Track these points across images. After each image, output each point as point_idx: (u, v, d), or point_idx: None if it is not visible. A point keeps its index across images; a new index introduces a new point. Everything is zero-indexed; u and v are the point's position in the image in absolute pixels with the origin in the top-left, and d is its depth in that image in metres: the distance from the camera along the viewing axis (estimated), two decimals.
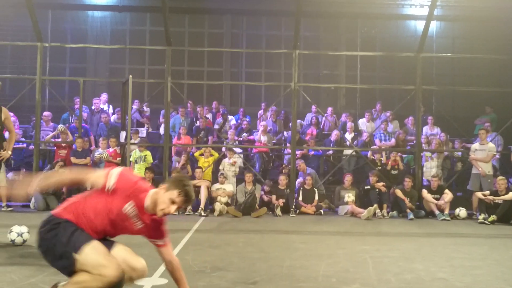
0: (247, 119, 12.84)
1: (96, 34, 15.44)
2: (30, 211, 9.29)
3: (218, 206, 9.46)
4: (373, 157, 11.24)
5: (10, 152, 6.11)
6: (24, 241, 5.46)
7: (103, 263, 2.88)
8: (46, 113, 11.78)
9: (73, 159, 10.20)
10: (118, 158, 10.32)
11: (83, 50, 14.97)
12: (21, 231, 5.47)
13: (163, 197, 3.01)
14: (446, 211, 9.61)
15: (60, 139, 10.71)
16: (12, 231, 5.48)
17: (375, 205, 9.59)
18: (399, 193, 9.86)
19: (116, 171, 3.06)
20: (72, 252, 2.88)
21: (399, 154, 11.21)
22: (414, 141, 11.32)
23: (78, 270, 2.89)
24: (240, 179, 10.48)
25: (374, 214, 9.50)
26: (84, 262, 2.88)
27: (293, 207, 9.84)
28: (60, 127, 10.80)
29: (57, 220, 3.01)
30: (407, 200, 9.77)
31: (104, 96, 12.65)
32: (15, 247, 5.42)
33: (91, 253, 2.89)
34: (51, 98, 13.79)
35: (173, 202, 3.02)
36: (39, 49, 10.64)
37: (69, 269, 2.94)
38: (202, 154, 10.74)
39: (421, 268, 4.85)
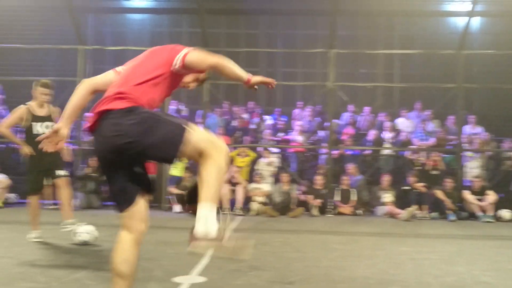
0: (283, 119, 12.83)
1: (135, 36, 15.78)
2: (74, 209, 9.55)
3: (255, 205, 9.50)
4: (412, 157, 11.02)
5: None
6: (96, 237, 5.60)
7: (211, 136, 2.51)
8: (87, 114, 12.12)
9: None
10: None
11: (122, 52, 15.28)
12: (87, 229, 5.59)
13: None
14: (489, 213, 9.33)
15: None
16: (80, 233, 5.54)
17: (415, 206, 9.41)
18: (439, 194, 9.63)
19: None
20: (183, 128, 2.43)
21: (440, 154, 10.95)
22: (455, 141, 11.03)
23: (188, 148, 2.41)
24: (276, 179, 10.48)
25: (414, 215, 9.32)
26: (197, 136, 2.43)
27: (330, 207, 9.78)
28: None
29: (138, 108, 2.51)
30: (448, 201, 9.54)
31: None
32: (59, 244, 5.60)
33: (196, 128, 2.50)
34: (91, 100, 14.17)
35: (196, 80, 2.92)
36: (80, 52, 10.96)
37: (175, 149, 2.40)
38: (238, 154, 10.81)
39: (463, 271, 4.73)
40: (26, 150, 5.71)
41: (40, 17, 12.77)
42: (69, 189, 5.93)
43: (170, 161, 2.54)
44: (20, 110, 5.82)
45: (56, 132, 2.69)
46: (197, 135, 2.45)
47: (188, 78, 2.90)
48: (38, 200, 5.80)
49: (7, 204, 9.88)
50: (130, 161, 2.57)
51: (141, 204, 2.67)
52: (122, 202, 2.63)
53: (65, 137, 2.72)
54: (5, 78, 12.33)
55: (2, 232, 6.50)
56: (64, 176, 5.85)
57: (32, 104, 5.90)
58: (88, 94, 2.87)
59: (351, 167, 10.56)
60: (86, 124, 2.61)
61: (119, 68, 2.95)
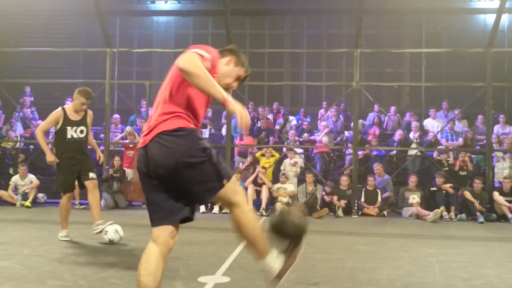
0: (308, 120, 12.79)
1: (161, 38, 15.98)
2: (101, 209, 9.71)
3: (279, 206, 9.49)
4: (439, 158, 10.84)
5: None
6: (121, 237, 5.70)
7: (239, 190, 2.73)
8: (115, 115, 12.34)
9: None
10: None
11: (149, 54, 15.55)
12: (114, 229, 5.69)
13: (232, 71, 2.86)
14: None
15: (128, 140, 11.16)
16: (107, 231, 5.65)
17: (442, 207, 9.25)
18: (468, 195, 9.44)
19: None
20: (223, 177, 2.62)
21: (468, 154, 10.74)
22: (484, 141, 10.80)
23: (221, 196, 2.65)
24: (301, 180, 10.46)
25: (441, 216, 9.16)
26: (230, 187, 2.66)
27: (355, 208, 9.70)
28: (128, 128, 11.26)
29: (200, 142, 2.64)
30: (476, 203, 9.34)
31: None
32: (87, 243, 5.72)
33: (233, 179, 2.70)
34: (119, 101, 14.41)
35: (238, 79, 2.91)
36: (108, 55, 11.14)
37: (211, 194, 2.63)
38: (263, 155, 10.82)
39: (492, 274, 4.63)
40: (51, 158, 5.80)
41: (69, 21, 13.06)
42: (97, 191, 6.01)
43: (198, 202, 2.71)
44: (57, 113, 5.89)
45: None
46: (229, 189, 2.63)
47: (228, 79, 2.86)
48: (69, 200, 5.90)
49: (36, 203, 10.12)
50: (175, 182, 2.61)
51: (176, 225, 2.72)
52: (157, 218, 2.70)
53: None
54: (35, 81, 12.65)
55: (31, 231, 6.66)
56: (94, 179, 5.94)
57: (68, 108, 5.96)
58: None
59: (377, 167, 10.44)
60: (140, 141, 2.69)
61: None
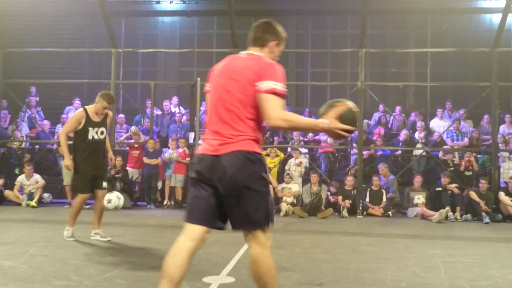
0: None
1: (166, 39, 16.00)
2: (105, 209, 9.73)
3: (284, 206, 9.49)
4: (444, 158, 10.80)
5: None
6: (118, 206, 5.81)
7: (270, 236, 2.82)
8: (120, 115, 12.36)
9: (145, 159, 10.63)
10: (187, 159, 10.63)
11: (154, 54, 15.57)
12: (116, 195, 5.78)
13: (279, 51, 3.06)
14: None
15: (133, 140, 11.18)
16: (111, 200, 5.78)
17: (447, 208, 9.21)
18: (473, 195, 9.40)
19: None
20: (270, 220, 2.74)
21: (474, 154, 10.70)
22: (490, 141, 10.75)
23: (256, 233, 2.72)
24: (305, 180, 10.45)
25: (446, 217, 9.13)
26: (268, 230, 2.76)
27: (360, 208, 9.68)
28: (133, 128, 11.29)
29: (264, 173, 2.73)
30: (482, 203, 9.30)
31: (175, 100, 13.06)
32: (92, 243, 5.73)
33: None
34: (124, 101, 14.45)
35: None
36: (113, 55, 11.17)
37: (253, 226, 2.70)
38: (268, 155, 10.82)
39: (498, 275, 4.61)
40: (68, 162, 5.79)
41: (74, 21, 13.11)
42: (103, 201, 6.11)
43: (236, 226, 2.76)
44: (79, 114, 5.86)
45: None
46: (267, 231, 2.75)
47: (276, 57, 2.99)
48: (83, 201, 5.88)
49: (41, 203, 10.16)
50: (229, 198, 2.71)
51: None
52: (194, 218, 2.77)
53: None
54: (40, 81, 12.71)
55: (36, 231, 6.69)
56: (105, 189, 5.97)
57: (90, 109, 5.91)
58: None
59: (382, 167, 10.42)
60: (206, 148, 2.78)
61: (207, 86, 2.96)
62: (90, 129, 5.81)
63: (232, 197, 2.67)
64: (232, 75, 2.74)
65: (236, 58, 2.87)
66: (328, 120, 2.68)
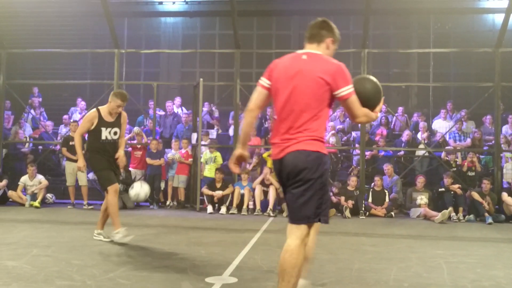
0: None
1: (169, 39, 16.03)
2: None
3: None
4: (447, 158, 10.78)
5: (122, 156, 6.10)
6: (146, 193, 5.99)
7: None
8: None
9: (148, 160, 10.64)
10: (189, 159, 10.64)
11: (156, 55, 15.60)
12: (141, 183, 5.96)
13: (334, 50, 3.36)
14: None
15: (135, 141, 11.20)
16: (133, 186, 5.95)
17: (450, 208, 9.20)
18: (476, 195, 9.38)
19: None
20: (322, 216, 3.02)
21: (476, 154, 10.68)
22: (493, 141, 10.74)
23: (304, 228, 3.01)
24: None
25: (449, 217, 9.11)
26: (317, 227, 3.22)
27: (363, 209, 9.68)
28: (136, 129, 11.30)
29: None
30: (485, 203, 9.29)
31: (177, 100, 13.08)
32: (97, 243, 5.75)
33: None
34: (127, 102, 14.45)
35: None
36: (116, 56, 11.20)
37: (310, 219, 2.99)
38: (270, 155, 10.81)
39: (501, 276, 4.60)
40: (81, 164, 5.82)
41: (77, 22, 13.12)
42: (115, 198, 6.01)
43: (295, 221, 3.02)
44: (91, 114, 5.82)
45: (239, 156, 3.14)
46: (316, 227, 3.17)
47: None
48: (116, 194, 5.72)
49: (44, 204, 10.19)
50: (294, 189, 3.00)
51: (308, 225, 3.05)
52: (289, 217, 3.11)
53: (247, 159, 3.24)
54: (44, 81, 12.74)
55: (40, 231, 6.71)
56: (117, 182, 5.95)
57: (102, 109, 5.87)
58: (255, 120, 3.23)
59: (388, 167, 10.39)
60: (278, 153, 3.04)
61: (265, 82, 3.12)
62: (103, 129, 5.77)
63: (291, 192, 2.97)
64: (301, 77, 2.96)
65: (298, 59, 3.05)
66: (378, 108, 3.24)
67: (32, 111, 13.00)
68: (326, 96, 2.94)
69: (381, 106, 3.27)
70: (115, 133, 5.87)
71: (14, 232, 6.55)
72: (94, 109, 5.92)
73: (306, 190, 2.90)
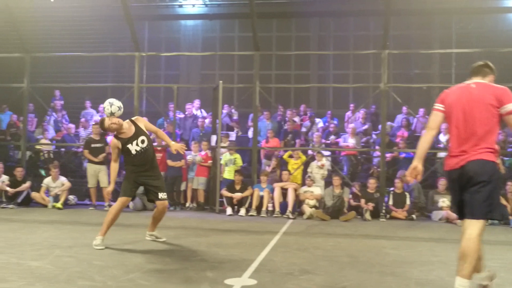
0: (335, 122, 12.70)
1: (189, 42, 16.15)
2: (129, 211, 9.87)
3: (307, 209, 9.45)
4: None
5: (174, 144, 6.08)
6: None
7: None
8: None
9: (169, 162, 10.71)
10: (209, 161, 10.67)
11: (176, 58, 15.73)
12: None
13: None
14: None
15: (155, 143, 11.28)
16: (113, 104, 5.75)
17: None
18: (500, 198, 9.18)
19: None
20: (494, 211, 3.57)
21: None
22: None
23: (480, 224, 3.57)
24: (328, 182, 10.38)
25: None
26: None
27: (383, 211, 9.57)
28: None
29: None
30: (509, 206, 9.10)
31: (197, 103, 13.15)
32: (118, 245, 5.80)
33: None
34: (147, 104, 14.62)
35: None
36: (137, 59, 11.32)
37: (486, 215, 3.57)
38: (291, 156, 10.80)
39: None
40: (109, 189, 5.99)
41: (98, 26, 13.32)
42: (165, 212, 6.12)
43: (474, 216, 3.57)
44: (113, 142, 5.87)
45: (414, 168, 3.76)
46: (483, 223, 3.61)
47: None
48: (121, 205, 5.77)
49: (66, 205, 10.34)
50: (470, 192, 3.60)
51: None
52: (457, 213, 3.78)
53: (421, 172, 3.78)
54: (66, 85, 12.95)
55: (62, 232, 6.81)
56: (164, 199, 5.97)
57: (115, 133, 5.91)
58: (433, 138, 3.89)
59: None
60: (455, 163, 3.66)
61: (439, 106, 3.83)
62: (129, 146, 5.80)
63: (471, 192, 3.56)
64: (475, 101, 3.65)
65: (468, 87, 3.78)
66: None
67: (54, 114, 13.22)
68: (495, 114, 3.60)
69: None
70: (142, 141, 5.84)
71: (37, 233, 6.67)
72: (113, 137, 5.97)
73: (483, 191, 3.52)
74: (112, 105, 5.78)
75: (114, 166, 5.90)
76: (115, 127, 5.77)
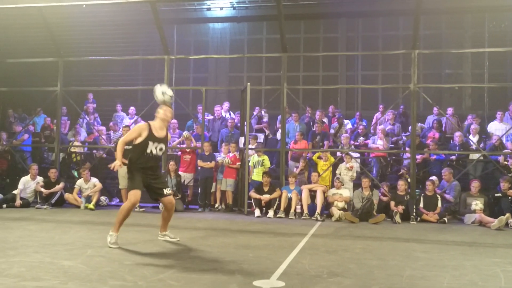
0: (364, 123, 12.57)
1: (217, 45, 16.27)
2: (160, 212, 9.99)
3: (336, 211, 9.39)
4: (506, 162, 10.32)
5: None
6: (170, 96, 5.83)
7: None
8: (173, 120, 12.65)
9: (199, 162, 10.80)
10: (237, 163, 10.72)
11: (204, 60, 15.87)
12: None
13: None
14: None
15: (185, 145, 11.41)
16: (166, 93, 5.75)
17: (508, 214, 8.79)
18: None
19: None
20: None
21: None
22: None
23: None
24: (357, 184, 10.29)
25: (507, 224, 8.71)
26: None
27: (414, 214, 9.41)
28: (185, 133, 11.52)
29: None
30: None
31: (226, 105, 13.24)
32: (146, 245, 5.89)
33: None
34: (176, 107, 14.78)
35: None
36: (166, 62, 11.47)
37: None
38: (320, 157, 10.75)
39: None
40: (117, 163, 5.69)
41: (128, 30, 13.57)
42: (173, 209, 6.04)
43: None
44: (142, 126, 5.77)
45: None
46: None
47: None
48: (136, 201, 5.64)
49: (98, 206, 10.55)
50: None
51: None
52: None
53: None
54: (98, 88, 13.25)
55: (94, 232, 6.95)
56: (169, 194, 5.91)
57: (153, 124, 5.83)
58: None
59: (446, 173, 10.05)
60: None
61: None
62: (150, 143, 5.71)
63: None
64: None
65: None
66: None
67: (86, 116, 13.52)
68: None
69: None
70: (160, 149, 5.81)
71: (70, 233, 6.82)
72: (145, 123, 5.86)
73: None
74: (165, 94, 5.71)
75: (122, 147, 5.69)
76: (171, 116, 5.80)
